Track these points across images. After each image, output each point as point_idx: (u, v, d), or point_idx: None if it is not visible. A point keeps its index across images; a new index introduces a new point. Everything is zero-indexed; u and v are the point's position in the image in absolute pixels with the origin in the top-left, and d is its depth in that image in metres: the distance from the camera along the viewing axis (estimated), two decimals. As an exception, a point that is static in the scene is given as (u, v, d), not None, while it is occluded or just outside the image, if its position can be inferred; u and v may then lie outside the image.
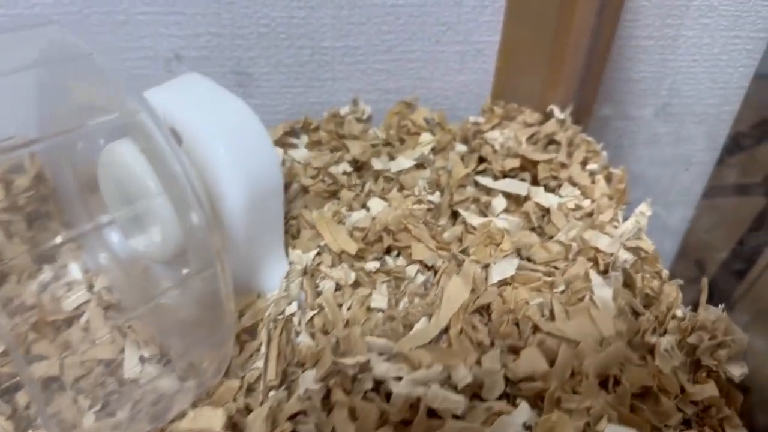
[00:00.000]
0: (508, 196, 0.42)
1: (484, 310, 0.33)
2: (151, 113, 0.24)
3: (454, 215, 0.42)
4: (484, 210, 0.41)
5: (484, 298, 0.32)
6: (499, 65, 0.50)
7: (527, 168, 0.45)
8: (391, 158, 0.45)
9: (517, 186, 0.42)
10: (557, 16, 0.48)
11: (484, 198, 0.42)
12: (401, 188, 0.43)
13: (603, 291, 0.34)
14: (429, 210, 0.41)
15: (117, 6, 0.42)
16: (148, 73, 0.46)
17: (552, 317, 0.33)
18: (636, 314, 0.36)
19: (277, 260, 0.34)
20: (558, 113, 0.49)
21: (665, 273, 0.38)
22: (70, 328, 0.37)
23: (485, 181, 0.43)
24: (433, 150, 0.48)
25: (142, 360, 0.35)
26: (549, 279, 0.33)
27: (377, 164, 0.42)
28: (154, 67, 0.46)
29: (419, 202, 0.41)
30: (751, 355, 0.40)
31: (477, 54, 0.48)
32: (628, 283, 0.37)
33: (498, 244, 0.36)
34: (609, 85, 0.51)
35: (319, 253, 0.37)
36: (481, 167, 0.45)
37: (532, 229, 0.41)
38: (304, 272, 0.35)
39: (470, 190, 0.42)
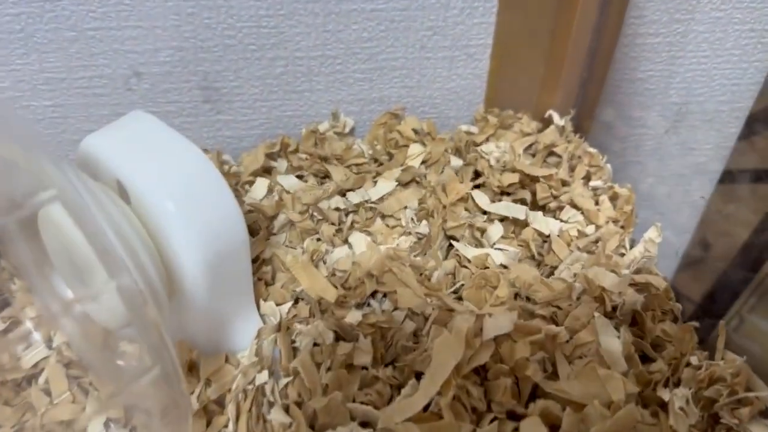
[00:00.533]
0: (504, 218, 0.39)
1: (480, 367, 0.29)
2: (75, 186, 0.21)
3: (448, 238, 0.38)
4: (479, 237, 0.38)
5: (478, 357, 0.29)
6: (492, 69, 0.45)
7: (526, 184, 0.41)
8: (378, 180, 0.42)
9: (515, 210, 0.38)
10: (556, 14, 0.43)
11: (479, 223, 0.38)
12: (384, 216, 0.39)
13: (611, 341, 0.30)
14: (419, 239, 0.38)
15: (64, 22, 0.38)
16: (105, 92, 0.42)
17: (555, 374, 0.30)
18: (646, 359, 0.33)
19: (247, 317, 0.31)
20: (557, 119, 0.45)
21: (677, 307, 0.35)
22: (30, 388, 0.34)
23: (482, 201, 0.39)
24: (424, 163, 0.44)
25: (107, 426, 0.32)
26: (552, 330, 0.30)
27: (355, 197, 0.38)
28: (112, 86, 0.41)
29: (406, 233, 0.38)
30: (758, 337, 0.38)
31: (467, 59, 0.44)
32: (638, 321, 0.34)
33: (494, 287, 0.32)
34: (612, 85, 0.47)
35: (295, 302, 0.33)
36: (477, 181, 0.42)
37: (532, 257, 0.37)
38: (279, 328, 0.31)
39: (465, 214, 0.39)
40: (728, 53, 0.47)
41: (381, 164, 0.44)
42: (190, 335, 0.30)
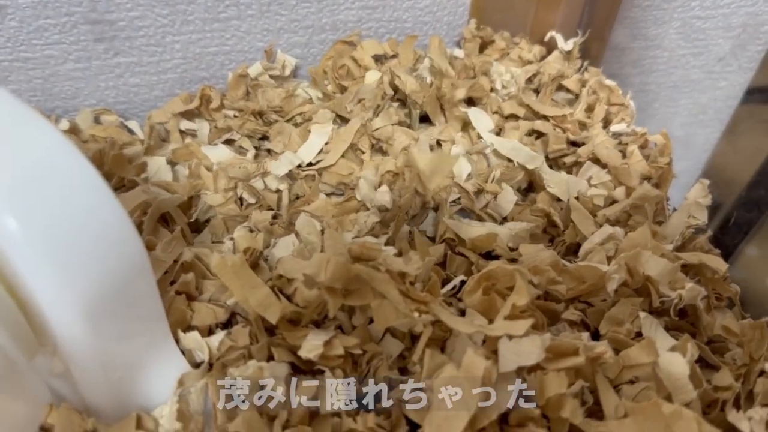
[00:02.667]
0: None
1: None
2: None
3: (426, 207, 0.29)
4: (476, 203, 0.29)
5: (499, 404, 0.20)
6: (476, -21, 0.35)
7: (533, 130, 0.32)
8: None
9: (530, 157, 0.29)
10: None
11: (490, 186, 0.29)
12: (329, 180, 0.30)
13: (672, 360, 0.22)
14: (381, 211, 0.28)
15: None
16: (-48, 33, 0.30)
17: (597, 404, 0.22)
18: (705, 364, 0.25)
19: (163, 357, 0.22)
20: (562, 43, 0.35)
21: (735, 291, 0.27)
22: None
23: (482, 124, 0.30)
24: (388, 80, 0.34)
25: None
26: (593, 349, 0.21)
27: (281, 167, 0.29)
28: (-39, 24, 0.30)
29: (363, 207, 0.28)
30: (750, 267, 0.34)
31: (445, -33, 0.34)
32: (687, 312, 0.26)
33: (508, 290, 0.23)
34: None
35: (230, 321, 0.24)
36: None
37: (543, 231, 0.29)
38: (210, 366, 0.22)
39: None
40: (766, -50, 0.38)
41: (334, 100, 0.33)
42: (88, 395, 0.21)
